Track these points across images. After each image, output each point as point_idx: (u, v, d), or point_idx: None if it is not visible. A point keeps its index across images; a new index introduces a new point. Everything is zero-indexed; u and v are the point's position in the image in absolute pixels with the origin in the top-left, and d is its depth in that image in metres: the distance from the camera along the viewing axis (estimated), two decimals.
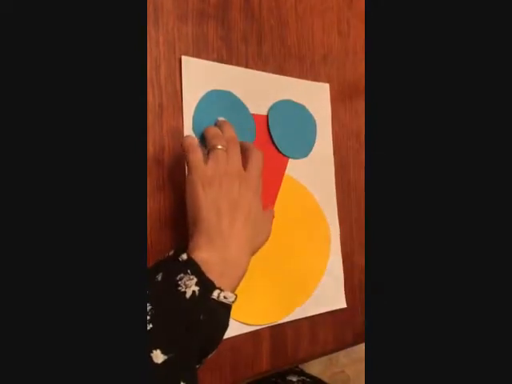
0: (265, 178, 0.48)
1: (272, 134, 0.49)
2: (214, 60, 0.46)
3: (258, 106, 0.49)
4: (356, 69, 0.59)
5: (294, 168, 0.50)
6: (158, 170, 0.41)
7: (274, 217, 0.44)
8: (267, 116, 0.49)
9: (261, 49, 0.50)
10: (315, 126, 0.53)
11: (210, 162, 0.38)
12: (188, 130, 0.43)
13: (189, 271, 0.33)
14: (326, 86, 0.55)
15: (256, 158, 0.40)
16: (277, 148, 0.49)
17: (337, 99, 0.56)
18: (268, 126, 0.49)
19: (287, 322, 0.48)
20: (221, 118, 0.44)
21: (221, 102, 0.46)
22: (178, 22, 0.44)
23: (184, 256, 0.35)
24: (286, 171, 0.50)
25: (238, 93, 0.47)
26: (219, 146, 0.38)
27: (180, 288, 0.33)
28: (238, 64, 0.48)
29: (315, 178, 0.52)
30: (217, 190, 0.36)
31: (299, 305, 0.48)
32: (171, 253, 0.37)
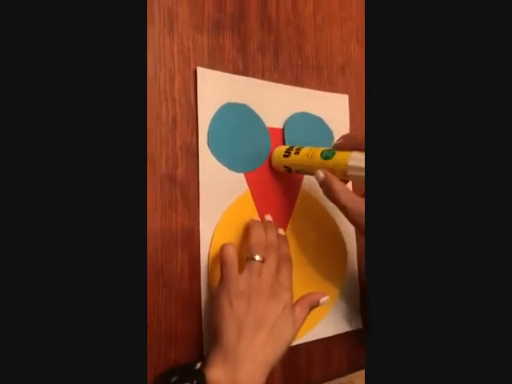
0: (280, 194, 0.47)
1: None
2: (229, 71, 0.44)
3: (273, 118, 0.47)
4: None
5: (310, 183, 0.49)
6: (170, 187, 0.39)
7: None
8: (283, 129, 0.47)
9: (277, 59, 0.48)
10: (332, 138, 0.51)
11: (245, 273, 0.38)
12: (203, 145, 0.41)
13: (195, 383, 0.34)
14: (345, 97, 0.53)
15: (286, 270, 0.41)
16: None
17: (356, 111, 0.54)
18: (283, 139, 0.47)
19: (301, 344, 0.46)
20: (268, 218, 0.44)
21: (236, 115, 0.44)
22: (194, 32, 0.43)
23: (198, 365, 0.36)
24: (302, 186, 0.48)
25: (254, 105, 0.45)
26: (257, 257, 0.38)
27: None
28: (254, 75, 0.46)
29: None
30: (244, 305, 0.36)
31: (314, 326, 0.46)
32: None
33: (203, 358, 0.38)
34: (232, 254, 0.39)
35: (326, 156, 0.40)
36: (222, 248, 0.39)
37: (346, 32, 0.55)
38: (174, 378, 0.35)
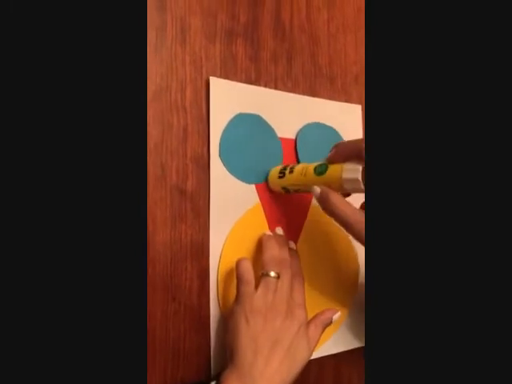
0: (291, 206, 0.46)
1: (300, 158, 0.47)
2: (242, 81, 0.44)
3: (286, 129, 0.46)
4: None
5: None
6: (180, 199, 0.39)
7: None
8: (295, 140, 0.47)
9: (290, 68, 0.47)
10: None
11: (260, 290, 0.37)
12: (214, 156, 0.41)
13: None
14: (358, 107, 0.52)
15: (299, 286, 0.40)
16: None
17: None
18: (296, 150, 0.47)
19: (311, 360, 0.45)
20: (279, 231, 0.43)
21: (248, 126, 0.43)
22: (206, 42, 0.42)
23: None
24: (313, 199, 0.47)
25: (266, 115, 0.45)
26: (272, 274, 0.38)
27: None
28: (266, 85, 0.45)
29: None
30: (260, 323, 0.36)
31: (324, 342, 0.45)
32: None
33: (211, 375, 0.37)
34: (249, 270, 0.37)
35: (320, 172, 0.38)
36: (239, 263, 0.38)
37: (360, 41, 0.54)
38: None
